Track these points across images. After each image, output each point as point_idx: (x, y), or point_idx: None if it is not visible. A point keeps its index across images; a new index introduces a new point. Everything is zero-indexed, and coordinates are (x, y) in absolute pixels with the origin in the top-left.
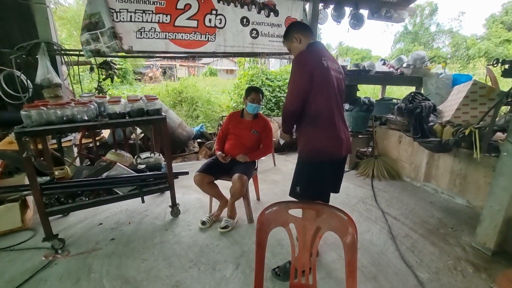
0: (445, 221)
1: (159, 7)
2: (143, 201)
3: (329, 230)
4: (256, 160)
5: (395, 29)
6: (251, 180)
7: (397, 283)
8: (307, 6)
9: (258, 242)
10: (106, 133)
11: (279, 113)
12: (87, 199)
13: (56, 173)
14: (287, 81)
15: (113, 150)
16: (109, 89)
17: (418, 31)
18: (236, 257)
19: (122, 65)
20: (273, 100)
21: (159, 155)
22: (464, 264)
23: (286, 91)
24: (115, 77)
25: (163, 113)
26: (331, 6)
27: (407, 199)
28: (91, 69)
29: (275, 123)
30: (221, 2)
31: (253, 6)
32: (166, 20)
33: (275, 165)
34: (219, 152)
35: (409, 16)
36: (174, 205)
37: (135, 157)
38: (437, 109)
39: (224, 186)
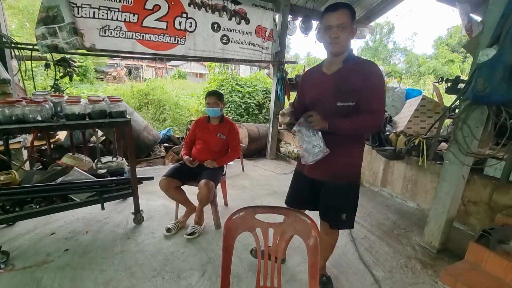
0: (399, 223)
1: (126, 5)
2: (103, 208)
3: (294, 234)
4: (224, 165)
5: (358, 43)
6: (219, 186)
7: (356, 282)
8: (277, 17)
9: (225, 248)
10: (62, 135)
11: (249, 119)
12: (37, 206)
13: (1, 178)
14: (257, 87)
15: (70, 154)
16: (67, 87)
17: (378, 47)
18: (202, 264)
19: (82, 62)
20: (243, 106)
21: (122, 159)
22: (414, 262)
23: (255, 97)
24: (74, 75)
25: (127, 116)
26: (300, 19)
27: (366, 203)
28: (47, 66)
29: (245, 129)
30: (192, 6)
31: (225, 13)
32: (133, 19)
33: (243, 170)
34: (187, 157)
35: (369, 33)
36: (137, 212)
37: (95, 161)
38: (392, 120)
39: (192, 191)
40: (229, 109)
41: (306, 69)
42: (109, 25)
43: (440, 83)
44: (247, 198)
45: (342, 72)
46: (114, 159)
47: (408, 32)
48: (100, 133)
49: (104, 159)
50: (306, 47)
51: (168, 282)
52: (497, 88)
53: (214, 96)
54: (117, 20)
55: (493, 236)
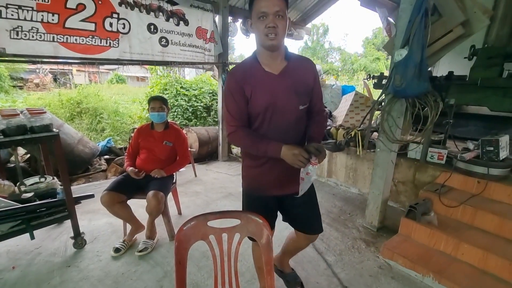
0: (344, 209)
1: (42, 3)
2: (32, 238)
3: (248, 235)
4: (174, 173)
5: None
6: (170, 194)
7: (311, 270)
8: (217, 18)
9: (177, 260)
10: None
11: (197, 123)
12: None
13: None
14: (203, 90)
15: None
16: None
17: (316, 47)
18: (158, 279)
19: None
20: (190, 110)
21: (53, 178)
22: (359, 242)
23: (202, 100)
24: None
25: (54, 129)
26: (240, 20)
27: None
28: None
29: (194, 133)
30: (123, 5)
31: (161, 13)
32: (52, 20)
33: (196, 175)
34: (131, 168)
35: (306, 34)
36: (77, 235)
37: (18, 184)
38: (332, 114)
39: (141, 205)
40: (175, 113)
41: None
42: (22, 26)
43: (369, 79)
44: (201, 204)
45: (291, 72)
46: (42, 179)
47: (341, 33)
48: (23, 151)
49: (29, 180)
50: (250, 47)
51: None
52: (410, 83)
53: (159, 101)
54: (31, 20)
55: (417, 210)
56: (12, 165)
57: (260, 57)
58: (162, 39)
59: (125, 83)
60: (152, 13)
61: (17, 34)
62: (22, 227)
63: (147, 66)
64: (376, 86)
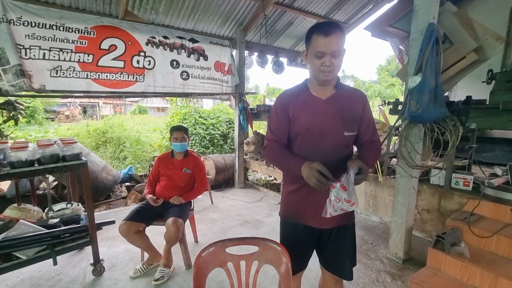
0: (366, 238)
1: (80, 46)
2: (55, 263)
3: (266, 263)
4: (192, 200)
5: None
6: (187, 222)
7: None
8: (234, 53)
9: (196, 287)
10: (4, 185)
11: (214, 151)
12: None
13: None
14: (220, 118)
15: (15, 205)
16: (11, 131)
17: None
18: None
19: (29, 103)
20: (207, 138)
21: (78, 204)
22: (384, 275)
23: (219, 128)
24: (20, 118)
25: (83, 158)
26: (256, 54)
27: None
28: None
29: (211, 161)
30: (149, 45)
31: (183, 50)
32: (88, 59)
33: (212, 202)
34: (150, 195)
35: None
36: (96, 262)
37: (46, 210)
38: None
39: (159, 231)
40: (193, 141)
41: (268, 97)
42: (61, 66)
43: (384, 105)
44: (218, 232)
45: (339, 99)
46: (68, 205)
47: (354, 61)
48: (51, 178)
49: (57, 206)
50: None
51: None
52: (426, 109)
53: (181, 131)
54: (70, 61)
55: (446, 240)
56: (41, 192)
57: (311, 85)
58: (183, 73)
59: (146, 114)
60: (175, 50)
61: (56, 73)
62: (46, 253)
63: (167, 98)
64: (392, 112)
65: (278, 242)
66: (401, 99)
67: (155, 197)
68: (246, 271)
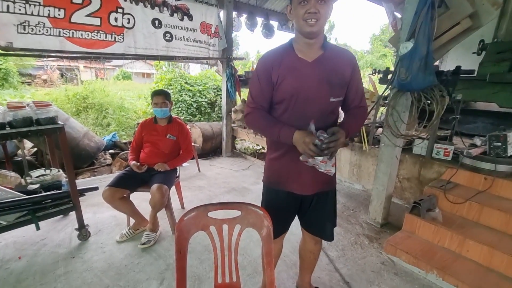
0: (348, 205)
1: None
2: (38, 228)
3: (248, 227)
4: (177, 167)
5: None
6: (173, 188)
7: None
8: (222, 13)
9: (178, 250)
10: None
11: (201, 118)
12: None
13: None
14: (208, 85)
15: None
16: None
17: None
18: (160, 272)
19: (0, 64)
20: (194, 105)
21: (59, 171)
22: (362, 238)
23: (206, 96)
24: None
25: (59, 122)
26: (244, 15)
27: None
28: None
29: (198, 129)
30: (127, 0)
31: (165, 8)
32: (59, 15)
33: (199, 171)
34: (133, 162)
35: None
36: (81, 227)
37: (24, 176)
38: None
39: (144, 198)
40: (179, 109)
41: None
42: (29, 21)
43: (374, 74)
44: (204, 199)
45: (327, 61)
46: (48, 171)
47: (347, 29)
48: (30, 144)
49: (35, 172)
50: (255, 45)
51: None
52: (416, 77)
53: (162, 96)
54: (38, 15)
55: (422, 206)
56: (19, 158)
57: (296, 44)
58: (167, 34)
59: (130, 79)
60: (156, 8)
61: (24, 29)
62: (28, 218)
63: (152, 62)
64: (381, 81)
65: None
66: (392, 68)
67: (138, 164)
68: (229, 234)
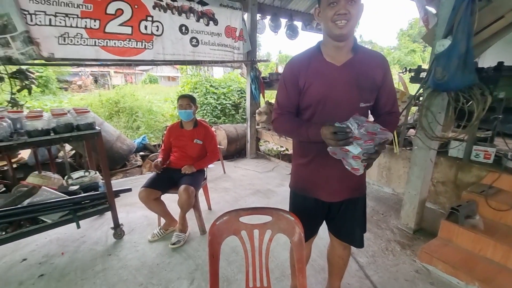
0: (377, 209)
1: (85, 11)
2: (78, 227)
3: (279, 232)
4: (205, 169)
5: None
6: (201, 190)
7: None
8: (246, 16)
9: (211, 254)
10: (25, 153)
11: (226, 121)
12: (3, 233)
13: None
14: (232, 88)
15: (36, 172)
16: (26, 101)
17: None
18: (190, 272)
19: (42, 72)
20: (219, 108)
21: (95, 173)
22: (393, 244)
23: (230, 98)
24: (33, 87)
25: (97, 127)
26: (268, 17)
27: None
28: (1, 80)
29: (222, 131)
30: (156, 8)
31: (192, 14)
32: (94, 25)
33: (224, 172)
34: (156, 160)
35: None
36: (116, 226)
37: (65, 177)
38: None
39: (173, 199)
40: (204, 111)
41: (280, 65)
42: (68, 33)
43: (404, 73)
44: (230, 200)
45: (356, 64)
46: (86, 173)
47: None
48: (69, 147)
49: (75, 174)
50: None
51: None
52: (453, 76)
53: (186, 98)
54: (76, 27)
55: (460, 213)
56: (60, 160)
57: (324, 48)
58: (193, 39)
59: (157, 83)
60: (183, 15)
61: (64, 40)
62: (69, 217)
63: (178, 66)
64: (413, 80)
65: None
66: (424, 66)
67: (159, 163)
68: (260, 240)
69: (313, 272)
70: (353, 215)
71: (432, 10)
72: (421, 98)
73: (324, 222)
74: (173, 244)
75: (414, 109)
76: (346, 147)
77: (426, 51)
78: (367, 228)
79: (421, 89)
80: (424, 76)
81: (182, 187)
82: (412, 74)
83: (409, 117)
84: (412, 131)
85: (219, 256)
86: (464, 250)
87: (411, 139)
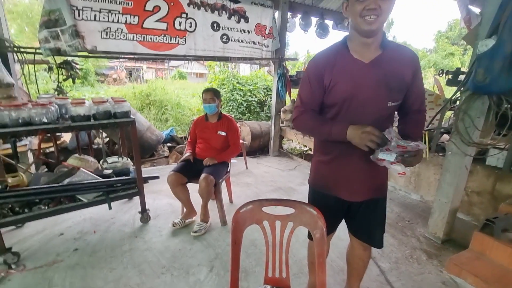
0: (403, 215)
1: (126, 7)
2: (110, 208)
3: (301, 225)
4: (229, 162)
5: None
6: (224, 183)
7: None
8: (276, 14)
9: (234, 240)
10: (67, 137)
11: (251, 117)
12: (46, 207)
13: (10, 180)
14: (258, 85)
15: (77, 155)
16: (69, 90)
17: None
18: (210, 260)
19: (82, 65)
20: (245, 104)
21: (127, 159)
22: (419, 252)
23: (256, 95)
24: (76, 77)
25: (131, 116)
26: (299, 15)
27: None
28: (50, 69)
29: (247, 127)
30: (191, 6)
31: (224, 12)
32: (133, 21)
33: (247, 168)
34: (188, 152)
35: None
36: (144, 211)
37: (101, 161)
38: None
39: (195, 189)
40: (230, 107)
41: (309, 61)
42: (110, 28)
43: (441, 75)
44: (251, 195)
45: (385, 62)
46: (120, 159)
47: (407, 26)
48: (104, 134)
49: (110, 159)
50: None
51: (177, 278)
52: (497, 78)
53: (210, 92)
54: (118, 22)
55: (497, 225)
56: (96, 146)
57: (351, 43)
58: (224, 36)
59: (186, 79)
60: (216, 12)
61: (106, 34)
62: (102, 198)
63: (205, 63)
64: (450, 82)
65: None
66: (463, 69)
67: (190, 158)
68: (281, 231)
69: (331, 272)
70: (373, 215)
71: (476, 10)
72: (457, 102)
73: (344, 222)
74: (195, 232)
75: (449, 113)
76: (381, 157)
77: (467, 54)
78: (392, 234)
79: (459, 92)
80: (462, 79)
81: (202, 176)
82: (449, 76)
83: (443, 122)
84: (446, 136)
85: (241, 243)
86: (498, 266)
87: (444, 145)
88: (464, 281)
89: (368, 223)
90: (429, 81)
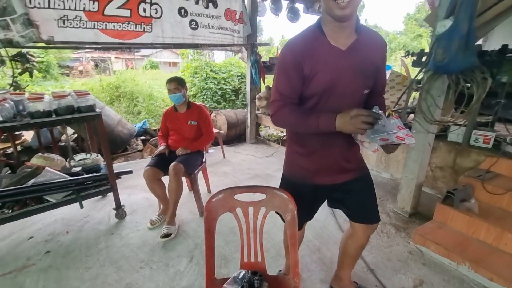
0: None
1: None
2: (81, 206)
3: (273, 210)
4: (204, 152)
5: None
6: (201, 174)
7: (337, 250)
8: None
9: (207, 229)
10: (28, 136)
11: (226, 106)
12: (10, 211)
13: None
14: (232, 73)
15: (40, 154)
16: (27, 85)
17: None
18: (189, 250)
19: (43, 57)
20: (219, 93)
21: (97, 155)
22: (388, 227)
23: (230, 83)
24: (34, 71)
25: (97, 110)
26: None
27: None
28: (2, 62)
29: (223, 116)
30: None
31: None
32: (93, 8)
33: (224, 157)
34: (163, 148)
35: None
36: (118, 207)
37: (68, 159)
38: None
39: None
40: (205, 96)
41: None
42: (67, 16)
43: (407, 57)
44: (229, 184)
45: (361, 48)
46: (88, 155)
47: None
48: (71, 130)
49: (78, 156)
50: (279, 30)
51: (156, 271)
52: (454, 58)
53: (174, 82)
54: (75, 9)
55: (456, 196)
56: (63, 144)
57: (326, 28)
58: (192, 22)
59: (158, 69)
60: None
61: (64, 23)
62: (73, 197)
63: (178, 51)
64: (415, 64)
65: None
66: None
67: (165, 151)
68: (254, 217)
69: (308, 252)
70: (366, 191)
71: None
72: (421, 82)
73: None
74: (165, 236)
75: (415, 94)
76: (371, 140)
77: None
78: None
79: (422, 73)
80: (425, 59)
81: (172, 164)
82: (415, 58)
83: (409, 102)
84: (412, 116)
85: (214, 231)
86: (458, 233)
87: (410, 124)
88: (428, 249)
89: (363, 201)
90: (399, 63)
